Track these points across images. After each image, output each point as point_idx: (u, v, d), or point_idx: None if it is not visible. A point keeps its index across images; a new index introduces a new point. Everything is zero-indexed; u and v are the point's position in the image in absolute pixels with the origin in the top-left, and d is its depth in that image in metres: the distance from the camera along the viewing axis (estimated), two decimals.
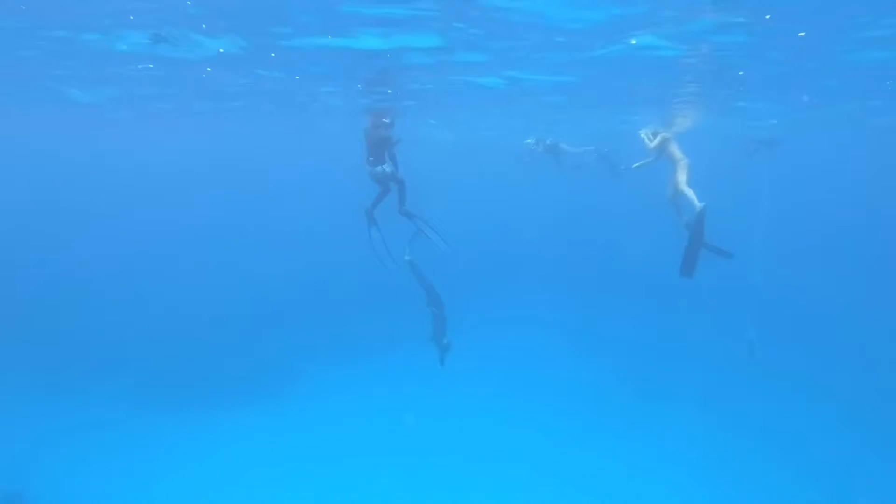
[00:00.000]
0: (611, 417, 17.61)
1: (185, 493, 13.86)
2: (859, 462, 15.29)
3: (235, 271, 29.06)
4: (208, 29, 10.55)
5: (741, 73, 13.84)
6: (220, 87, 17.03)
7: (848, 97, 18.16)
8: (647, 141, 11.24)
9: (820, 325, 23.51)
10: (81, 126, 27.61)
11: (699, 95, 16.46)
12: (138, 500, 13.59)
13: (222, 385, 18.94)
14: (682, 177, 10.37)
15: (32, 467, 14.38)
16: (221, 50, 11.88)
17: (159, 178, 46.40)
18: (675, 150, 10.79)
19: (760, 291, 22.65)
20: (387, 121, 10.84)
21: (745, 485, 14.55)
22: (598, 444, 16.24)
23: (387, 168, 10.32)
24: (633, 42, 10.82)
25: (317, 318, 24.40)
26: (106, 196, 43.05)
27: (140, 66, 14.09)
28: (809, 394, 19.00)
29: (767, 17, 9.45)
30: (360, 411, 17.89)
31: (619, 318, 25.00)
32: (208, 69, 14.14)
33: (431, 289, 11.00)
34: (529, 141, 15.44)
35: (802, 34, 10.64)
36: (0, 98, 20.08)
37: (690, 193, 10.29)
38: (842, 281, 27.65)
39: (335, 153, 23.01)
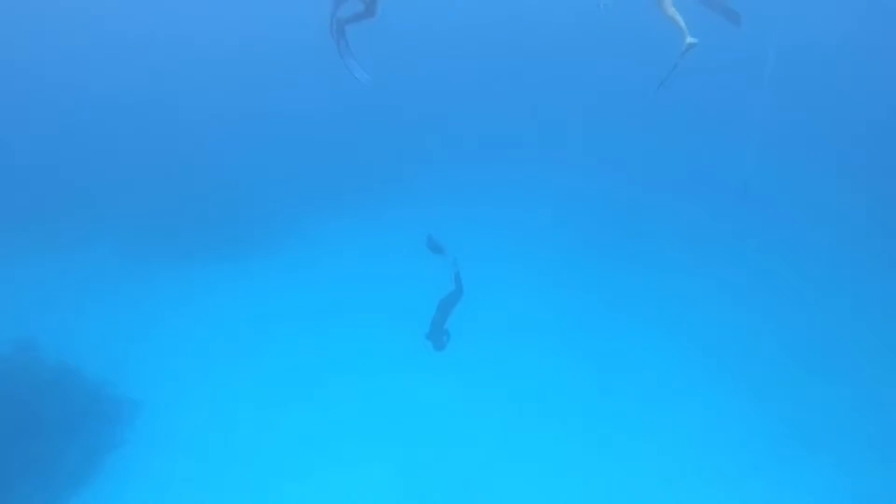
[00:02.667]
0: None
1: (182, 344, 14.58)
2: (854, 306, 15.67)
3: (231, 117, 28.10)
4: None
5: None
6: None
7: None
8: None
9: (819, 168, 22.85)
10: None
11: None
12: (140, 344, 14.44)
13: (218, 236, 19.15)
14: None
15: (42, 315, 15.11)
16: None
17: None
18: None
19: (761, 128, 21.75)
20: None
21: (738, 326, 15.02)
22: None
23: None
24: None
25: (314, 167, 24.01)
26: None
27: None
28: (805, 239, 18.89)
29: None
30: (359, 262, 18.20)
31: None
32: None
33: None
34: None
35: None
36: None
37: (681, 22, 9.14)
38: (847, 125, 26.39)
39: None
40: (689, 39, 9.13)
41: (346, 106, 26.87)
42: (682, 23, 9.14)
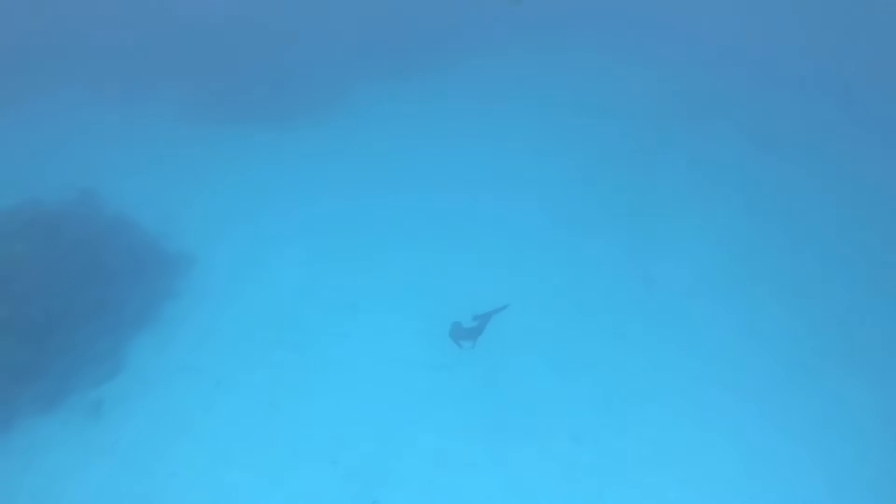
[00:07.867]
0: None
1: (233, 204, 15.08)
2: None
3: None
4: None
5: None
6: None
7: None
8: None
9: None
10: None
11: None
12: (193, 202, 15.01)
13: (270, 105, 19.40)
14: None
15: (104, 167, 15.96)
16: None
17: None
18: None
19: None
20: None
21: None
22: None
23: None
24: None
25: (364, 29, 23.23)
26: None
27: None
28: None
29: None
30: (409, 130, 18.22)
31: None
32: None
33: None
34: None
35: None
36: None
37: None
38: None
39: None
40: None
41: None
42: None
